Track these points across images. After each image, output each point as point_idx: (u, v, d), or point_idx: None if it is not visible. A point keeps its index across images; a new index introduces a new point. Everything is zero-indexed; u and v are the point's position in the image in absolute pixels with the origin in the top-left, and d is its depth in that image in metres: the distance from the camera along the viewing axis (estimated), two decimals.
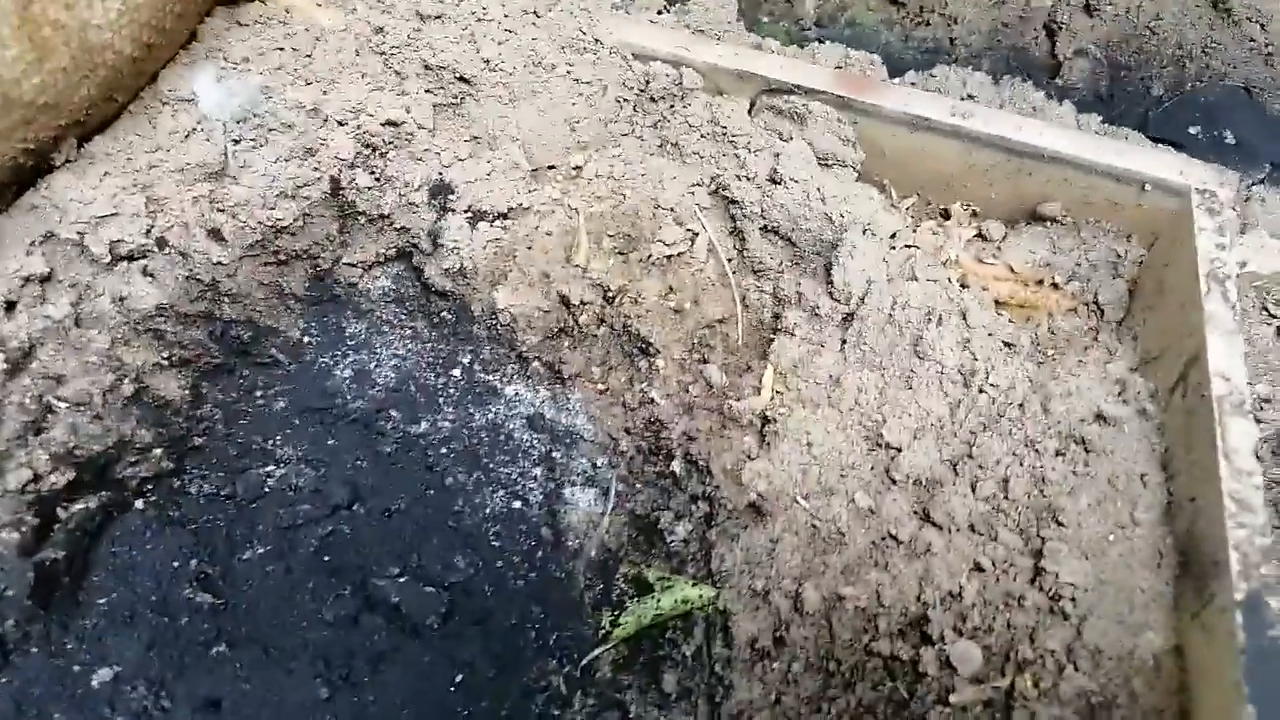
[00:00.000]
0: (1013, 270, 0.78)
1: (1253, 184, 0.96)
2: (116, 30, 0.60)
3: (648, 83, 0.80)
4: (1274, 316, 0.75)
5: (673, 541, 0.66)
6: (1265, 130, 1.04)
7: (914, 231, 0.83)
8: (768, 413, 0.70)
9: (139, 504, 0.62)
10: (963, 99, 0.85)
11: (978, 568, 0.59)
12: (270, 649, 0.59)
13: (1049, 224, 0.81)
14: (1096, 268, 0.76)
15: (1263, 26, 1.08)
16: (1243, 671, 0.46)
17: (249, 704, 0.57)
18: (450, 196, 0.73)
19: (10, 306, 0.58)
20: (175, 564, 0.61)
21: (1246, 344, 0.77)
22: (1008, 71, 1.09)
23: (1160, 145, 0.95)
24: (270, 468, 0.66)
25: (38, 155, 0.59)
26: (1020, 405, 0.66)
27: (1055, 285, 0.76)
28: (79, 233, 0.61)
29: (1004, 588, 0.57)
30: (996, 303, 0.78)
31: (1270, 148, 1.02)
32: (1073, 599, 0.55)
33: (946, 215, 0.84)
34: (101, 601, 0.58)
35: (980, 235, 0.83)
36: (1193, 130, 1.06)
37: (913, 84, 0.89)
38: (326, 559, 0.66)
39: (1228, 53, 1.08)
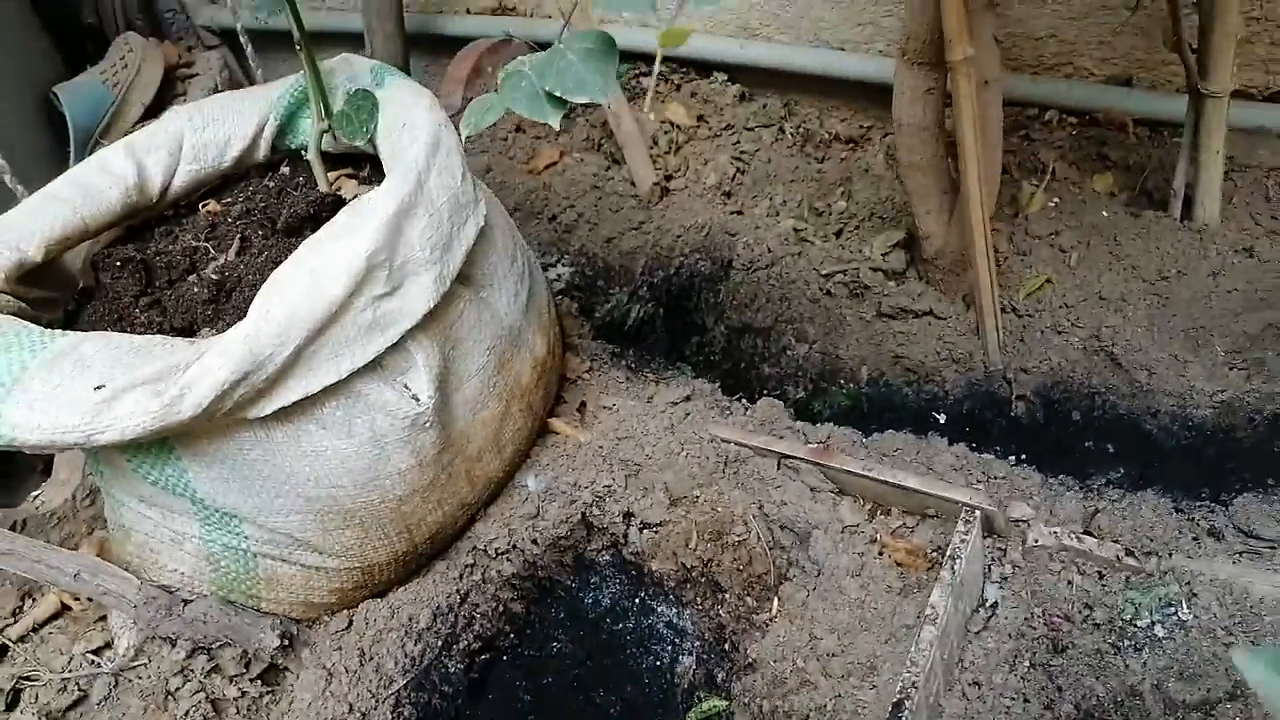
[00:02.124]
0: (911, 544, 1.47)
1: (1105, 482, 1.54)
2: (501, 468, 1.56)
3: (728, 456, 1.64)
4: (1051, 567, 1.37)
5: (718, 679, 1.42)
6: (1133, 443, 1.60)
7: (869, 521, 1.54)
8: (769, 622, 1.46)
9: (513, 640, 1.53)
10: (890, 454, 1.58)
11: (836, 693, 1.30)
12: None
13: (933, 518, 1.49)
14: (948, 544, 1.43)
15: (1150, 371, 1.67)
16: None
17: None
18: (631, 516, 1.61)
19: (458, 588, 1.53)
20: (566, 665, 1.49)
21: (1052, 577, 1.39)
22: (981, 409, 1.78)
23: (1021, 461, 1.58)
24: (566, 631, 1.54)
25: (469, 520, 1.56)
26: (882, 617, 1.36)
27: (925, 554, 1.44)
28: (483, 548, 1.56)
29: (843, 688, 1.28)
30: (898, 564, 1.47)
31: (1127, 453, 1.59)
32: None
33: (889, 512, 1.55)
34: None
35: (904, 524, 1.52)
36: (1088, 444, 1.65)
37: (858, 445, 1.64)
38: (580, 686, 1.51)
39: (1120, 390, 1.67)
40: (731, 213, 2.11)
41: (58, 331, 1.15)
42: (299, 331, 1.15)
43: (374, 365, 1.27)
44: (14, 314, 1.26)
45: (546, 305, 1.64)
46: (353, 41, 2.61)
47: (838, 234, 2.02)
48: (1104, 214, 1.80)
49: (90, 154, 2.39)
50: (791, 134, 2.28)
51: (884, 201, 2.01)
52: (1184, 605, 1.34)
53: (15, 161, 2.13)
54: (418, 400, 1.32)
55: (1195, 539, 1.38)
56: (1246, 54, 1.85)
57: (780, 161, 2.19)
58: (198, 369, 1.11)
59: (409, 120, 1.36)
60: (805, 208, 2.10)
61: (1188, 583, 1.34)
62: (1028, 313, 1.73)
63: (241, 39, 2.12)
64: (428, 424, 1.33)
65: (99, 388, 1.07)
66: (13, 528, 1.49)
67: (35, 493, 1.57)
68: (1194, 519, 1.40)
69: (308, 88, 1.47)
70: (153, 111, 2.51)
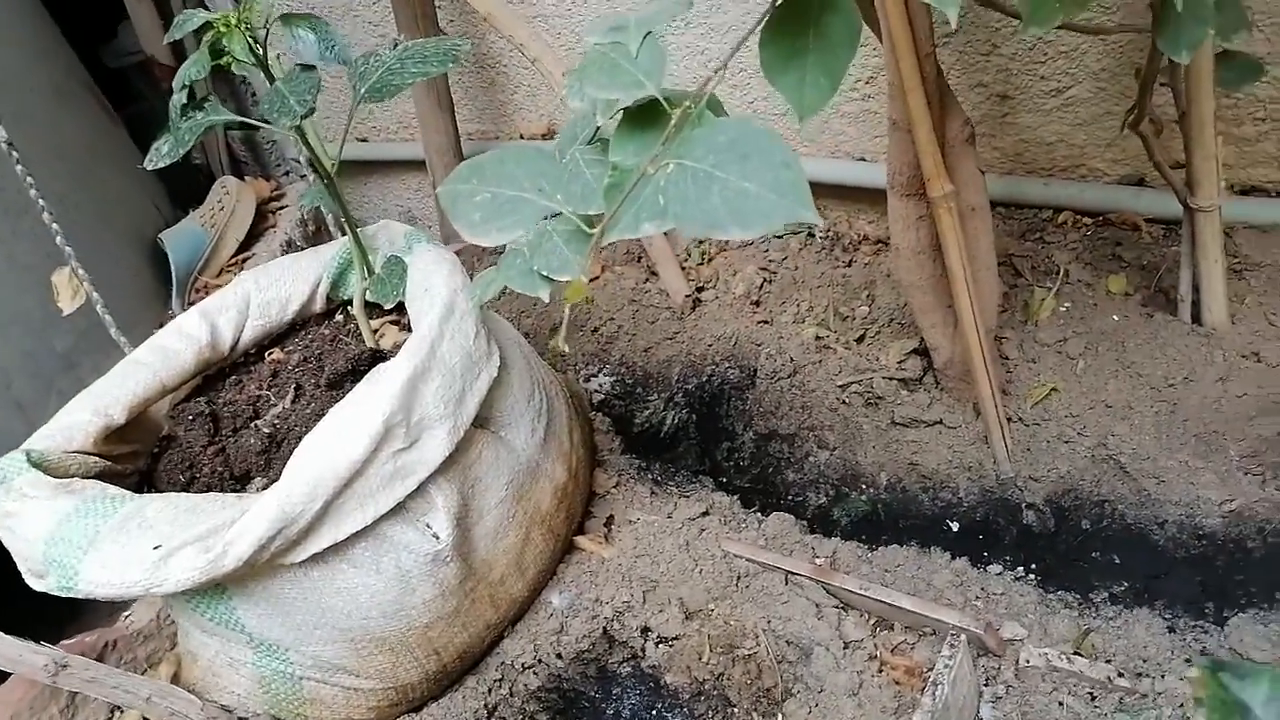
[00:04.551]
0: (910, 662, 1.53)
1: (1106, 598, 1.55)
2: (524, 589, 1.70)
3: (739, 571, 1.73)
4: (1043, 688, 1.40)
5: None
6: (1139, 555, 1.61)
7: (871, 636, 1.60)
8: None
9: None
10: (891, 569, 1.64)
11: None
12: None
13: (932, 635, 1.54)
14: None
15: (1159, 480, 1.67)
16: None
17: None
18: (649, 631, 1.72)
19: (485, 702, 1.67)
20: None
21: (1043, 698, 1.42)
22: (994, 517, 1.82)
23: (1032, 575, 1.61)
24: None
25: (497, 638, 1.69)
26: None
27: (920, 673, 1.49)
28: (510, 663, 1.69)
29: None
30: (896, 682, 1.52)
31: (1132, 565, 1.60)
32: None
33: (891, 627, 1.61)
34: None
35: (905, 641, 1.58)
36: (1095, 554, 1.67)
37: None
38: None
39: (1128, 499, 1.68)
40: (759, 322, 2.22)
41: (128, 495, 1.36)
42: (326, 490, 1.32)
43: (398, 509, 1.43)
44: (99, 474, 1.48)
45: (568, 433, 1.78)
46: (422, 168, 2.86)
47: (859, 339, 2.10)
48: (1114, 318, 1.84)
49: (191, 287, 2.69)
50: (820, 237, 2.38)
51: (903, 307, 2.09)
52: None
53: (126, 303, 2.43)
54: (438, 538, 1.47)
55: (1188, 660, 1.40)
56: (1257, 152, 1.86)
57: (807, 268, 2.29)
58: (239, 527, 1.29)
59: (430, 285, 1.54)
60: (830, 313, 2.19)
61: (1180, 705, 1.35)
62: (1035, 421, 1.77)
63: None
64: (448, 558, 1.48)
65: (157, 547, 1.27)
66: (105, 646, 1.72)
67: (126, 613, 1.80)
68: (1186, 640, 1.41)
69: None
70: (245, 245, 2.81)
